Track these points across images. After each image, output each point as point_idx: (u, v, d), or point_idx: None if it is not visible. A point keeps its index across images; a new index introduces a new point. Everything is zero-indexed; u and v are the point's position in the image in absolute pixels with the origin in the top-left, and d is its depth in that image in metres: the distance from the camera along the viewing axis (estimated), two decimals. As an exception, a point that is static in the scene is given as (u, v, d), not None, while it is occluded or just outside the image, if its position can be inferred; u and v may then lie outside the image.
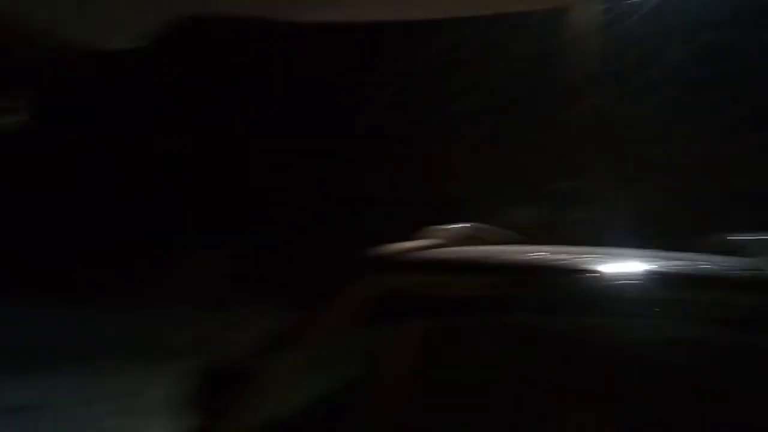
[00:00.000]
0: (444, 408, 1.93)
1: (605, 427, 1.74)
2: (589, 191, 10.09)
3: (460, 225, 2.63)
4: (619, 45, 10.50)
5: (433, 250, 2.25)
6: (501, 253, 2.20)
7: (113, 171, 11.24)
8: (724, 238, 2.19)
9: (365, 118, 10.50)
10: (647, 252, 2.19)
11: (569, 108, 10.15)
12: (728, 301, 1.62)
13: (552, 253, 2.13)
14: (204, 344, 7.19)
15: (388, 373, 2.12)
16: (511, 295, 1.84)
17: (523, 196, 10.55)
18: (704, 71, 10.52)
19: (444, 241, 2.37)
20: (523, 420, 1.78)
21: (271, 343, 1.97)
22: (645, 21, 10.36)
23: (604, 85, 10.63)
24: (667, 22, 10.36)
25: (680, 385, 1.67)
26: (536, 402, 1.81)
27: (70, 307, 9.15)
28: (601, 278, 1.78)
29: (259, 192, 11.49)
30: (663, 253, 2.11)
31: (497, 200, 10.42)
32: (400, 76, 10.58)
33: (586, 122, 10.16)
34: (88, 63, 9.42)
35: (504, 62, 10.84)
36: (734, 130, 10.82)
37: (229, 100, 11.46)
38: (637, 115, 11.05)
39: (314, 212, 10.78)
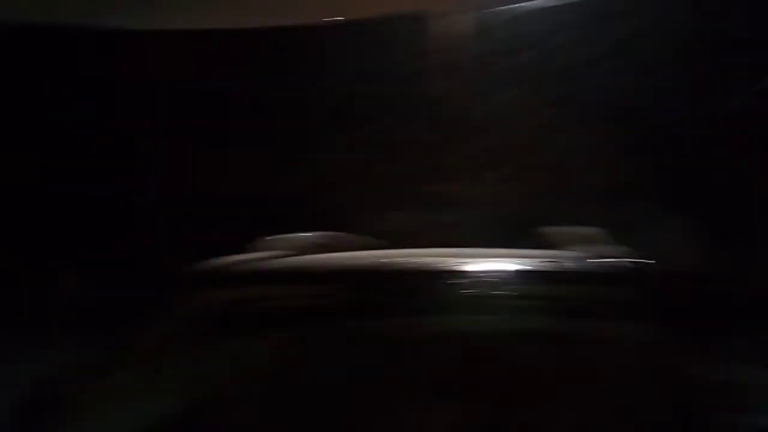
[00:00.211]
0: (295, 420, 1.88)
1: (462, 425, 1.74)
2: (456, 193, 10.37)
3: (310, 233, 2.60)
4: (486, 52, 10.83)
5: (274, 260, 2.20)
6: (344, 260, 2.18)
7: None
8: (538, 230, 2.27)
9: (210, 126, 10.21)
10: (501, 251, 2.21)
11: (435, 112, 10.36)
12: (574, 294, 1.67)
13: (402, 256, 2.14)
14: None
15: (229, 389, 2.05)
16: (350, 301, 1.83)
17: (392, 200, 10.67)
18: (567, 80, 11.04)
19: (292, 250, 2.33)
20: (380, 426, 1.77)
21: (91, 367, 1.85)
22: (511, 29, 10.73)
23: (468, 90, 10.94)
24: (531, 30, 10.78)
25: (534, 378, 1.70)
26: (392, 406, 1.79)
27: None
28: (443, 277, 1.80)
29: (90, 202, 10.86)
30: (513, 251, 2.15)
31: (366, 205, 10.48)
32: (248, 80, 10.39)
33: (451, 126, 10.41)
34: None
35: (370, 67, 10.92)
36: (596, 135, 11.41)
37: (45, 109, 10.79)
38: (502, 120, 11.44)
39: (155, 226, 10.25)
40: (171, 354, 1.91)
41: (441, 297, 1.73)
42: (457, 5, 9.79)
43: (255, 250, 2.30)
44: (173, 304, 1.91)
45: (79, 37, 8.84)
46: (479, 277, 1.83)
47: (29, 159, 10.63)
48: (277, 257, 2.21)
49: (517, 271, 1.87)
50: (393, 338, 1.81)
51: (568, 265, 1.86)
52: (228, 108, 10.44)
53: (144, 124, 10.45)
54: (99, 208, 10.28)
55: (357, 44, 10.63)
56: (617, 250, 1.98)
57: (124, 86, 10.37)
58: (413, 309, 1.76)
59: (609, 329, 1.57)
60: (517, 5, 10.38)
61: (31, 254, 10.32)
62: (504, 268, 1.90)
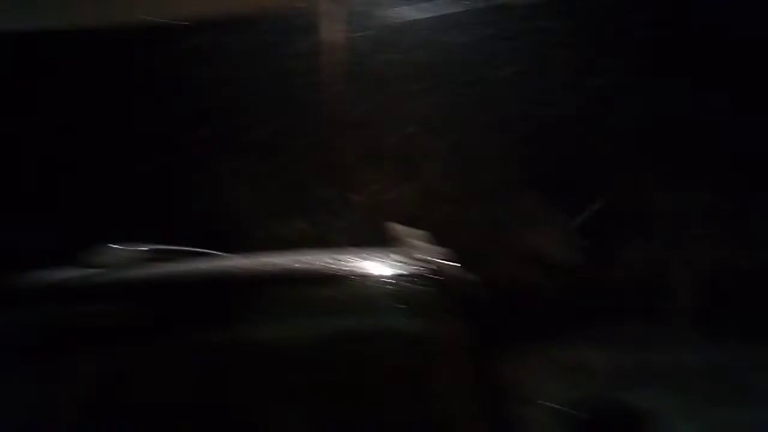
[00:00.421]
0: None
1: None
2: (345, 199, 10.41)
3: (137, 247, 2.51)
4: (376, 53, 10.93)
5: (89, 275, 2.11)
6: (155, 273, 2.10)
7: None
8: (386, 227, 2.27)
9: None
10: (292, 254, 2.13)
11: (324, 118, 10.38)
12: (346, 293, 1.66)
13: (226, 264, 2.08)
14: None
15: (40, 409, 1.96)
16: (149, 315, 1.77)
17: (284, 206, 10.61)
18: (456, 81, 11.28)
19: (117, 264, 2.25)
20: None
21: None
22: (400, 29, 10.88)
23: (359, 95, 11.01)
24: (421, 30, 10.95)
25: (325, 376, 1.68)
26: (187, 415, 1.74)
27: None
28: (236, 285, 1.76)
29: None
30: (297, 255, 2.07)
31: (257, 211, 10.40)
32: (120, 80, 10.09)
33: (342, 133, 10.46)
34: None
35: (260, 70, 10.82)
36: (491, 136, 11.71)
37: None
38: (393, 125, 11.59)
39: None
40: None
41: (233, 305, 1.69)
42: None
43: (81, 263, 2.20)
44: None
45: None
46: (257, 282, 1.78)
47: None
48: (94, 272, 2.12)
49: (285, 273, 1.82)
50: (189, 348, 1.76)
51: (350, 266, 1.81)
52: (75, 112, 10.06)
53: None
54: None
55: (237, 44, 10.52)
56: (431, 252, 2.00)
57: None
58: (208, 318, 1.72)
59: (393, 327, 1.58)
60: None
61: None
62: (272, 270, 1.85)
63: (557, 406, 1.80)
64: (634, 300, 16.98)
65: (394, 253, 1.85)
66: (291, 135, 10.72)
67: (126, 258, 2.31)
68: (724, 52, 10.25)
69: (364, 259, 1.76)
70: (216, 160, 10.68)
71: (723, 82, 10.27)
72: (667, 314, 16.08)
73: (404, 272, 1.65)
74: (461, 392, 1.45)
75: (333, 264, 1.75)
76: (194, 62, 10.07)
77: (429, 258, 1.80)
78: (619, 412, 1.52)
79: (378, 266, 1.71)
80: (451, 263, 2.08)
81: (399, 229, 2.22)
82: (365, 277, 1.67)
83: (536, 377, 11.14)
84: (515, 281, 13.80)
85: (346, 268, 1.71)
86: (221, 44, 10.28)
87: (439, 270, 1.69)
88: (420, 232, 2.34)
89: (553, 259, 14.63)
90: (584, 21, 10.91)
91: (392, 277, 1.65)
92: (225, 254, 2.26)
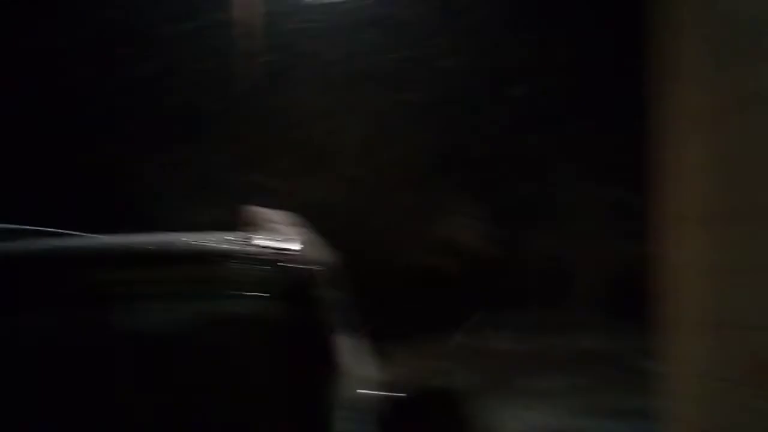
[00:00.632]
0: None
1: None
2: (263, 184, 10.34)
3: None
4: (283, 43, 10.87)
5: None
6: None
7: None
8: (245, 210, 2.26)
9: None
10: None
11: (237, 106, 10.26)
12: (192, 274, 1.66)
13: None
14: None
15: None
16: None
17: (202, 192, 10.46)
18: (360, 72, 11.32)
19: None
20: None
21: None
22: (307, 21, 10.84)
23: (269, 84, 10.93)
24: (323, 21, 10.94)
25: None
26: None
27: None
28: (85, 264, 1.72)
29: None
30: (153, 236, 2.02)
31: (175, 199, 10.24)
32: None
33: (258, 119, 10.37)
34: None
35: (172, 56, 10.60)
36: (397, 125, 11.82)
37: None
38: (304, 112, 11.56)
39: None
40: None
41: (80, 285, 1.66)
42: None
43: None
44: None
45: None
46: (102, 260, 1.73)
47: None
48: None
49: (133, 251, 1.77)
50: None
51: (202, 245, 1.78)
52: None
53: None
54: None
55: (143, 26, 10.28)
56: (293, 236, 2.01)
57: None
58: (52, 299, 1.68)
59: (235, 308, 1.59)
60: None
61: None
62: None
63: (382, 391, 1.85)
64: (538, 288, 17.55)
65: (247, 236, 1.85)
66: (199, 120, 10.58)
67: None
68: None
69: (209, 240, 1.75)
70: (122, 145, 10.44)
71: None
72: (570, 302, 16.70)
73: (243, 255, 1.66)
74: (282, 375, 1.47)
75: (174, 244, 1.74)
76: (100, 45, 9.82)
77: (283, 242, 1.81)
78: (438, 394, 1.57)
79: (219, 247, 1.71)
80: (313, 248, 2.11)
81: (264, 212, 2.21)
82: (198, 258, 1.68)
83: (439, 363, 11.41)
84: (425, 268, 14.05)
85: (182, 249, 1.71)
86: (131, 25, 10.05)
87: (285, 254, 1.70)
88: (290, 216, 2.36)
89: (462, 247, 14.94)
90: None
91: (228, 258, 1.66)
92: (85, 235, 2.21)
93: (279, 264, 1.67)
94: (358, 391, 1.86)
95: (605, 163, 11.87)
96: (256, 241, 1.80)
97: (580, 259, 15.37)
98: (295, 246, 1.83)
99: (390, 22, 11.05)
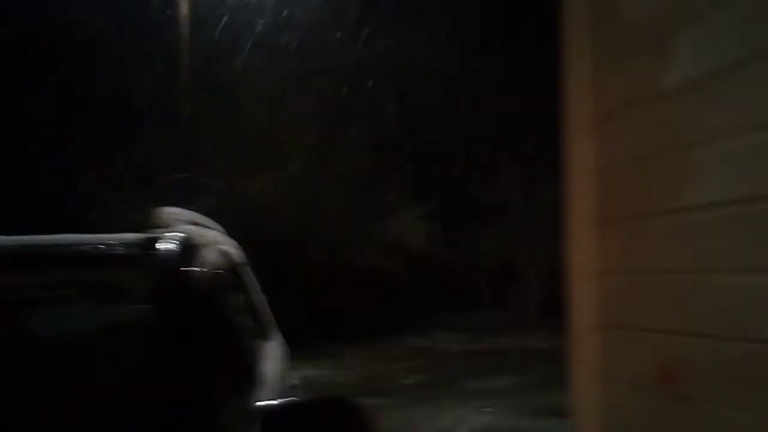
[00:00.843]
0: None
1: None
2: (202, 182, 10.20)
3: None
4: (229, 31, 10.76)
5: None
6: None
7: None
8: (157, 211, 2.19)
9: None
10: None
11: (183, 102, 10.11)
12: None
13: None
14: None
15: None
16: None
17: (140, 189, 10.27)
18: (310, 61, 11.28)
19: None
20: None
21: None
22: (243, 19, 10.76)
23: (214, 80, 10.81)
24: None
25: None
26: None
27: None
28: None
29: None
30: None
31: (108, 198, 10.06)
32: None
33: (200, 116, 10.24)
34: None
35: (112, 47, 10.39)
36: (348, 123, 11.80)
37: None
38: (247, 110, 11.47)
39: None
40: None
41: None
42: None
43: None
44: None
45: None
46: None
47: None
48: None
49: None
50: None
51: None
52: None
53: None
54: None
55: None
56: (199, 237, 1.96)
57: None
58: None
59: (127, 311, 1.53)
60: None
61: None
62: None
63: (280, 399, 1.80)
64: (486, 289, 17.70)
65: (148, 237, 1.79)
66: (143, 115, 10.40)
67: None
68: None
69: (100, 242, 1.69)
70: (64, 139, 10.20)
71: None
72: (519, 302, 16.85)
73: (125, 256, 1.61)
74: (163, 379, 1.42)
75: (58, 245, 1.67)
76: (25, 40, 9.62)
77: (186, 243, 1.76)
78: (330, 401, 1.53)
79: (107, 249, 1.65)
80: (216, 249, 2.07)
81: (176, 212, 2.15)
82: (71, 260, 1.61)
83: (389, 364, 11.41)
84: (374, 269, 14.02)
85: (48, 250, 1.64)
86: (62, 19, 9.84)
87: (173, 255, 1.65)
88: (199, 216, 2.30)
89: (410, 248, 14.95)
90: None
91: (115, 259, 1.60)
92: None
93: (166, 266, 1.62)
94: (251, 394, 1.81)
95: (555, 164, 11.97)
96: (154, 243, 1.74)
97: (528, 260, 15.53)
98: (190, 247, 1.78)
99: (343, 20, 11.01)
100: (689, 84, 1.55)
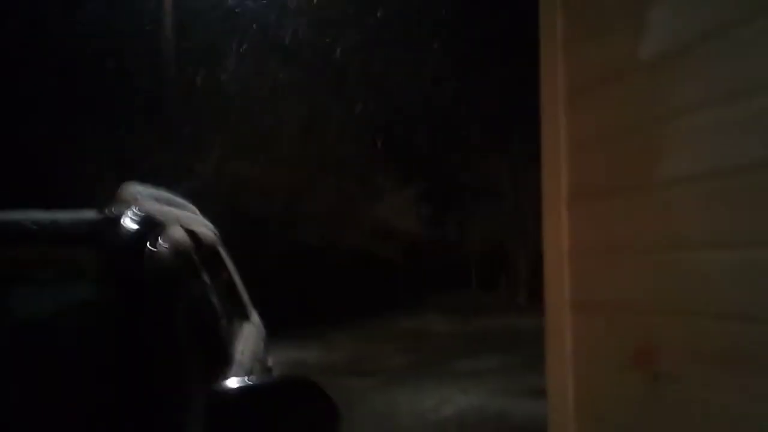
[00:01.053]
0: None
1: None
2: (191, 166, 10.15)
3: None
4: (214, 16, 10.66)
5: None
6: None
7: None
8: (122, 187, 2.12)
9: None
10: None
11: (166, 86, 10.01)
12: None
13: None
14: None
15: None
16: None
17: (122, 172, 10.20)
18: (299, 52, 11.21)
19: None
20: None
21: None
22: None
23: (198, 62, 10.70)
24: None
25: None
26: None
27: None
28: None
29: None
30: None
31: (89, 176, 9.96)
32: None
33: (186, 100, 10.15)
34: None
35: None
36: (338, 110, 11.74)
37: None
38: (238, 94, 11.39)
39: None
40: None
41: None
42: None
43: None
44: None
45: None
46: None
47: None
48: None
49: None
50: None
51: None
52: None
53: None
54: None
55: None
56: (165, 216, 1.90)
57: None
58: None
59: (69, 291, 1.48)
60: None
61: None
62: None
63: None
64: (476, 271, 17.74)
65: (103, 214, 1.73)
66: (130, 97, 10.30)
67: None
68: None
69: (49, 218, 1.63)
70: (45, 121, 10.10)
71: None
72: (505, 285, 16.91)
73: (88, 233, 1.55)
74: (116, 360, 1.37)
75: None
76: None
77: (146, 220, 1.70)
78: (296, 382, 1.48)
79: (59, 226, 1.59)
80: (187, 229, 2.01)
81: (134, 189, 2.08)
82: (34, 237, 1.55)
83: (379, 345, 11.42)
84: (364, 251, 14.02)
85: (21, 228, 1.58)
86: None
87: (140, 234, 1.59)
88: (166, 194, 2.25)
89: (399, 230, 14.95)
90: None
91: (67, 237, 1.54)
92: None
93: (124, 244, 1.56)
94: (219, 376, 1.77)
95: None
96: (112, 220, 1.68)
97: (517, 242, 15.56)
98: (151, 224, 1.72)
99: (335, 11, 10.93)
100: (661, 57, 1.51)
